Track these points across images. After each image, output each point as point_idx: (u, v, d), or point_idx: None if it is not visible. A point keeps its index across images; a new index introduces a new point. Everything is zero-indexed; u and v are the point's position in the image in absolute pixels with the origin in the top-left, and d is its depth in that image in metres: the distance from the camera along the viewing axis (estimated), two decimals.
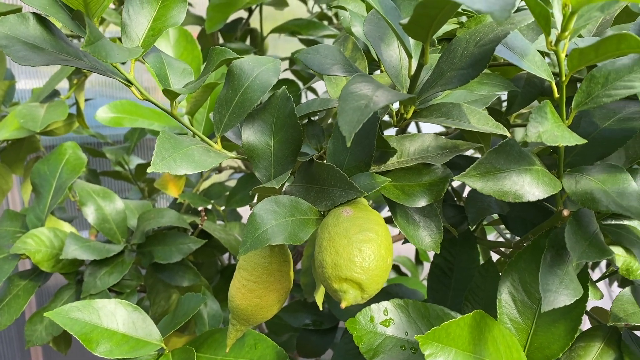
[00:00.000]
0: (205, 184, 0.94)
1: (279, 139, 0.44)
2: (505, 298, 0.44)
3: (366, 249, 0.35)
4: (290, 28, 0.95)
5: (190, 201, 0.75)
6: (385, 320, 0.45)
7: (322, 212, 0.39)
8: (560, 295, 0.37)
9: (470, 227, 0.49)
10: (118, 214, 0.72)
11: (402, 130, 0.51)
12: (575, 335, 0.42)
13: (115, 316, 0.51)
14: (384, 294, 0.61)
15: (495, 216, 0.66)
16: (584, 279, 0.42)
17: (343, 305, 0.35)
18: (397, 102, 0.42)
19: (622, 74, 0.35)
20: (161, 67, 0.44)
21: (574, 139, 0.34)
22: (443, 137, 0.41)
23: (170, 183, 0.79)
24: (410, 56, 0.37)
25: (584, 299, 0.42)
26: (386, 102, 0.33)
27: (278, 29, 1.00)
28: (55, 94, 0.78)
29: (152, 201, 1.02)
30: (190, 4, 1.15)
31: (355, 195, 0.37)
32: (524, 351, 0.44)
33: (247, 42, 1.13)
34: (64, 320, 0.48)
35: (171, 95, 0.41)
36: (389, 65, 0.40)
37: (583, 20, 0.34)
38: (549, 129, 0.34)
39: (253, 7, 1.05)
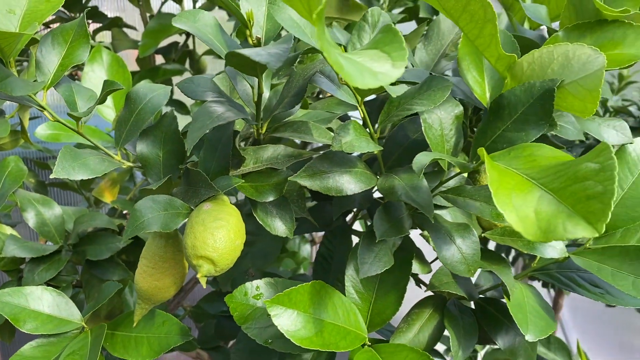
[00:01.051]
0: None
1: (167, 150, 0.55)
2: (351, 273, 0.56)
3: (217, 233, 0.46)
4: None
5: (122, 206, 0.86)
6: (256, 294, 0.56)
7: (192, 208, 0.50)
8: (373, 266, 0.49)
9: (333, 218, 0.61)
10: (56, 218, 0.82)
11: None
12: (401, 302, 0.54)
13: (41, 300, 0.61)
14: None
15: None
16: (407, 257, 0.54)
17: (199, 275, 0.46)
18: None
19: (408, 100, 0.48)
20: (70, 94, 0.54)
21: (369, 148, 0.46)
22: (290, 147, 0.52)
23: (106, 191, 0.89)
24: (252, 87, 0.49)
25: (407, 274, 0.54)
26: (231, 119, 0.45)
27: (209, 51, 1.11)
28: (1, 113, 0.88)
29: (98, 209, 1.12)
30: (134, 28, 1.26)
31: (213, 192, 0.48)
32: (367, 315, 0.55)
33: (187, 62, 1.24)
34: None
35: (75, 117, 0.52)
36: (242, 94, 0.51)
37: None
38: (349, 140, 0.46)
39: None
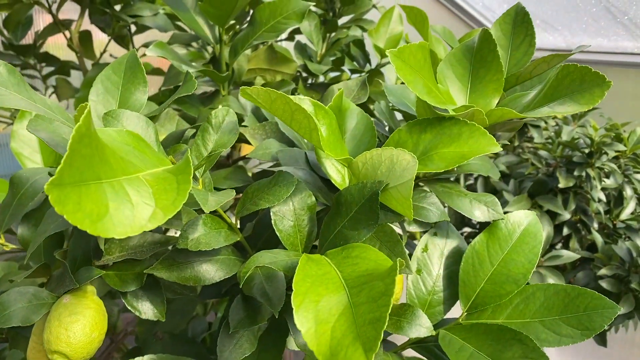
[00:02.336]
0: None
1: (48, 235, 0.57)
2: None
3: (72, 327, 0.48)
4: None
5: None
6: None
7: (58, 297, 0.52)
8: (232, 354, 0.51)
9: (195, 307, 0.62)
10: None
11: None
12: None
13: None
14: None
15: None
16: (281, 337, 0.56)
17: None
18: None
19: (258, 193, 0.49)
20: None
21: (222, 242, 0.48)
22: (157, 234, 0.54)
23: None
24: None
25: (280, 353, 0.55)
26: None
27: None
28: None
29: None
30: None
31: (72, 285, 0.50)
32: None
33: None
34: None
35: None
36: None
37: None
38: (196, 237, 0.47)
39: None
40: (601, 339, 1.32)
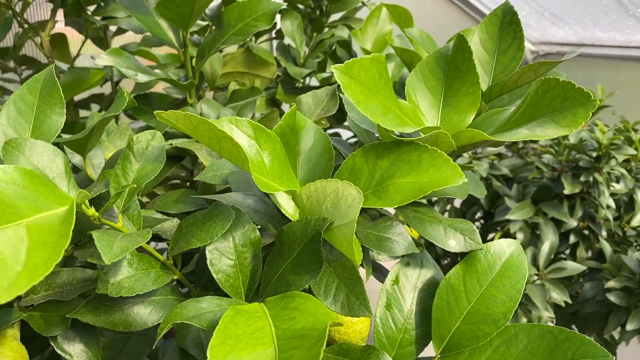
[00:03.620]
0: None
1: None
2: None
3: None
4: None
5: None
6: None
7: None
8: None
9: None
10: None
11: None
12: None
13: None
14: None
15: None
16: None
17: None
18: None
19: (191, 228, 0.43)
20: None
21: (153, 284, 0.42)
22: (89, 270, 0.48)
23: None
24: None
25: None
26: None
27: None
28: None
29: None
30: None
31: None
32: None
33: None
34: None
35: None
36: None
37: None
38: (119, 280, 0.41)
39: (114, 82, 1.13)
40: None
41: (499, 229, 1.28)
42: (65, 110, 0.41)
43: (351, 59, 0.39)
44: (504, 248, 0.51)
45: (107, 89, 1.20)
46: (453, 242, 0.50)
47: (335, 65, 0.38)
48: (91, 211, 0.37)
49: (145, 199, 0.67)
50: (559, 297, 1.08)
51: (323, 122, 0.62)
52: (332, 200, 0.37)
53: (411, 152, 0.40)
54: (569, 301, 1.07)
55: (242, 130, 0.41)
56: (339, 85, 0.64)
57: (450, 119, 0.48)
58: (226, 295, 0.43)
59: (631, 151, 1.15)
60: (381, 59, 0.41)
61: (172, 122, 0.36)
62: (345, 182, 0.36)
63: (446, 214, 1.36)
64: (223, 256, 0.43)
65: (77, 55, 1.08)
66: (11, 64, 1.25)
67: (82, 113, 1.16)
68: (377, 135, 0.65)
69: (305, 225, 0.39)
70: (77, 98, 1.12)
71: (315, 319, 0.35)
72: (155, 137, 0.41)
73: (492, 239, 1.26)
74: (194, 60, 0.77)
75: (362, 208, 0.36)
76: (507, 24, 0.60)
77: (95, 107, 1.18)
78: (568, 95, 0.39)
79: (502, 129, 0.43)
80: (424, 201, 0.54)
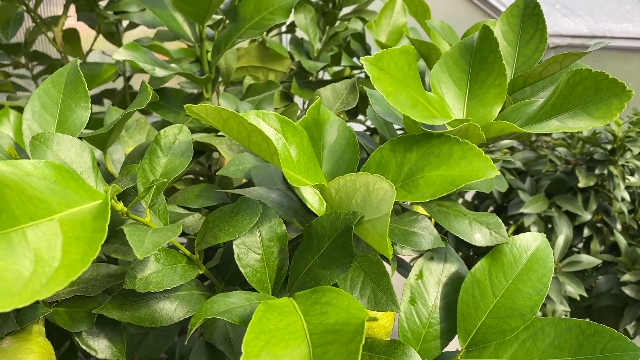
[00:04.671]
0: None
1: None
2: None
3: None
4: None
5: None
6: None
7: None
8: None
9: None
10: None
11: None
12: None
13: None
14: None
15: None
16: None
17: None
18: None
19: (218, 223, 0.43)
20: None
21: (180, 279, 0.42)
22: (113, 266, 0.48)
23: None
24: None
25: None
26: None
27: None
28: None
29: None
30: None
31: (12, 328, 0.44)
32: None
33: None
34: None
35: None
36: None
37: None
38: (146, 275, 0.41)
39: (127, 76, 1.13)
40: None
41: (512, 222, 1.27)
42: (90, 104, 0.41)
43: (381, 51, 0.38)
44: (530, 242, 0.51)
45: (119, 84, 1.20)
46: (479, 236, 0.50)
47: (365, 57, 0.38)
48: (120, 206, 0.37)
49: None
50: (575, 290, 1.07)
51: (342, 116, 0.61)
52: (363, 194, 0.37)
53: (441, 145, 0.40)
54: (585, 294, 1.06)
55: (269, 124, 0.41)
56: (358, 78, 0.63)
57: (477, 111, 0.47)
58: (253, 290, 0.43)
59: None
60: (410, 49, 0.41)
61: (202, 115, 0.36)
62: (376, 176, 0.36)
63: None
64: (250, 250, 0.43)
65: (90, 50, 1.08)
66: (22, 59, 1.24)
67: (95, 108, 1.16)
68: (397, 128, 0.65)
69: (334, 220, 0.38)
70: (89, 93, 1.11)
71: (349, 314, 0.35)
72: (182, 132, 0.41)
73: None
74: (209, 54, 0.76)
75: None
76: (529, 15, 0.59)
77: (107, 102, 1.18)
78: (601, 86, 0.38)
79: (532, 120, 0.42)
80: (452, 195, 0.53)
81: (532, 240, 0.51)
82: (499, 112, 0.47)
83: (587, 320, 0.47)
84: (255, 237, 0.43)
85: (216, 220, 0.43)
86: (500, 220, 0.51)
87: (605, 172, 1.15)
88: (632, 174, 1.21)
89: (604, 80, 0.38)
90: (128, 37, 1.18)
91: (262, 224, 0.43)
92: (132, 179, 0.41)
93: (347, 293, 0.36)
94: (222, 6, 0.89)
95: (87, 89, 0.41)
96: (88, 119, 0.41)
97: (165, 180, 0.37)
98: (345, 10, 1.09)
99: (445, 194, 0.37)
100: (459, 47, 0.50)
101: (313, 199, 0.45)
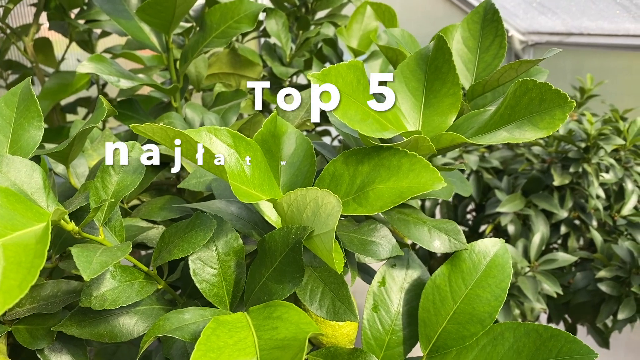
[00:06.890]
0: None
1: None
2: None
3: None
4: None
5: None
6: None
7: None
8: None
9: None
10: None
11: None
12: None
13: None
14: None
15: None
16: None
17: None
18: None
19: (173, 239, 0.43)
20: None
21: (137, 296, 0.42)
22: (74, 282, 0.48)
23: None
24: None
25: None
26: None
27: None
28: None
29: None
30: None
31: None
32: None
33: None
34: None
35: None
36: None
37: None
38: (102, 293, 0.41)
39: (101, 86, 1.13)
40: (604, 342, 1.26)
41: (490, 221, 1.28)
42: (43, 123, 0.41)
43: (328, 67, 0.39)
44: (488, 247, 0.51)
45: (93, 92, 1.19)
46: (437, 243, 0.51)
47: (312, 73, 0.38)
48: (71, 226, 0.37)
49: (135, 202, 0.66)
50: (551, 288, 1.09)
51: (308, 124, 0.61)
52: (312, 209, 0.37)
53: (391, 157, 0.40)
54: (560, 292, 1.08)
55: (222, 140, 0.41)
56: None
57: (432, 121, 0.48)
58: (211, 305, 0.43)
59: (619, 141, 1.15)
60: (359, 64, 0.41)
61: (149, 135, 0.36)
62: (325, 190, 0.36)
63: (438, 208, 1.36)
64: (206, 265, 0.43)
65: (62, 59, 1.08)
66: None
67: (69, 117, 1.15)
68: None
69: (286, 234, 0.39)
70: (63, 102, 1.11)
71: (297, 329, 0.35)
72: (135, 149, 0.41)
73: (484, 232, 1.27)
74: (178, 63, 0.76)
75: None
76: (489, 21, 0.60)
77: (82, 110, 1.18)
78: (545, 97, 0.39)
79: (482, 130, 0.43)
80: (412, 202, 0.54)
81: (490, 246, 0.52)
82: (454, 121, 0.48)
83: (544, 324, 0.48)
84: (212, 252, 0.43)
85: (172, 237, 0.43)
86: (458, 227, 0.52)
87: (580, 170, 1.17)
88: (606, 171, 1.22)
89: (547, 91, 0.39)
90: (103, 44, 1.17)
91: (218, 238, 0.44)
92: (86, 197, 0.42)
93: (297, 307, 0.37)
94: (192, 14, 0.89)
95: (39, 107, 0.41)
96: (41, 137, 0.41)
97: (114, 200, 0.38)
98: (320, 14, 1.09)
99: (392, 206, 0.38)
100: (416, 56, 0.50)
101: (271, 212, 0.46)
